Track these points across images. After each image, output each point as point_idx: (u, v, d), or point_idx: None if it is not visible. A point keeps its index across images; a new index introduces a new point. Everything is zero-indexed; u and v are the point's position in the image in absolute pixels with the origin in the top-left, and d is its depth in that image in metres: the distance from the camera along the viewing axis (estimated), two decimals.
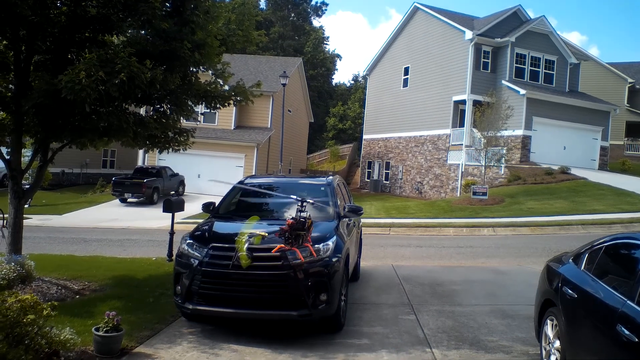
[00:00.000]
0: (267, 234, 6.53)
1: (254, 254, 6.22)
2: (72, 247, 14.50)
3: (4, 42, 8.15)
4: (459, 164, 30.21)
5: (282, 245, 6.32)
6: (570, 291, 5.08)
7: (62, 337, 5.10)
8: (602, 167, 30.36)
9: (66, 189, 34.32)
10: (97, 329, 5.64)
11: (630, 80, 41.52)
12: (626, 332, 3.83)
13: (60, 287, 8.52)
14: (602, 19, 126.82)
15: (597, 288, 4.69)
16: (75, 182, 37.73)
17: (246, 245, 6.26)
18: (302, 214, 6.60)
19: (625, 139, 40.82)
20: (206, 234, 7.02)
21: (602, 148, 30.65)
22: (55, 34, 8.08)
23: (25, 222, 9.04)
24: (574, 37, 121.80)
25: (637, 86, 42.09)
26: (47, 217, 22.28)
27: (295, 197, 7.41)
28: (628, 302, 4.02)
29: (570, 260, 5.66)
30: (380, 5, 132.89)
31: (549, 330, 5.47)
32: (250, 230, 6.63)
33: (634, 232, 5.29)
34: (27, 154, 10.83)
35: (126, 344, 6.06)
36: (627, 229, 16.07)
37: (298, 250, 6.30)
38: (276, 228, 6.66)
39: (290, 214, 7.75)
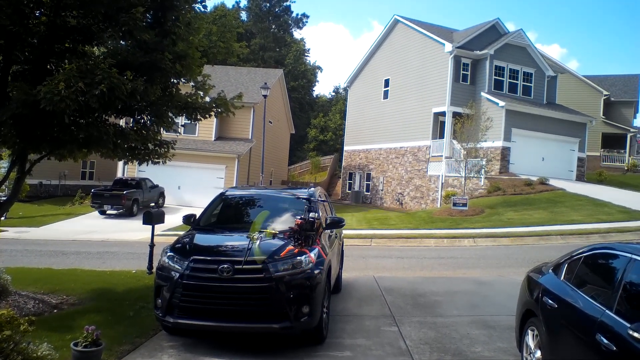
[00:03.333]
0: (277, 232, 6.64)
1: (236, 267, 6.18)
2: (50, 260, 14.25)
3: None
4: (439, 175, 30.43)
5: (292, 247, 6.38)
6: (550, 301, 5.13)
7: (39, 353, 4.99)
8: (580, 178, 30.80)
9: (44, 201, 33.82)
10: (76, 344, 5.54)
11: (605, 92, 42.37)
12: (605, 341, 3.88)
13: (37, 301, 8.38)
14: (582, 33, 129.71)
15: (576, 298, 4.74)
16: (53, 193, 37.21)
17: (257, 242, 6.39)
18: (311, 214, 6.61)
19: (602, 150, 41.58)
20: (187, 246, 6.96)
21: (580, 159, 31.10)
22: (34, 44, 7.99)
23: (1, 234, 8.90)
24: (554, 50, 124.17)
25: (612, 98, 42.96)
26: (24, 229, 21.87)
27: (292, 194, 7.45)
28: (607, 311, 4.08)
29: (550, 271, 5.71)
30: (362, 17, 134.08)
31: (530, 340, 5.51)
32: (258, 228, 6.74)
33: (612, 242, 5.36)
34: (3, 165, 10.66)
35: (106, 359, 5.96)
36: (604, 239, 16.27)
37: (309, 252, 6.39)
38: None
39: (274, 226, 7.75)
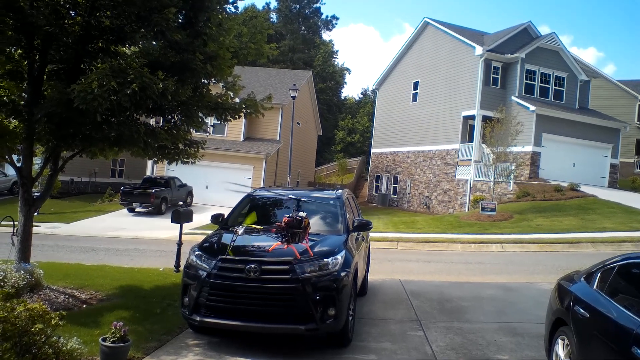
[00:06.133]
0: (262, 227, 6.77)
1: (263, 267, 6.21)
2: (79, 255, 14.52)
3: (19, 51, 8.24)
4: (467, 179, 30.11)
5: (279, 243, 6.41)
6: (582, 310, 5.01)
7: (69, 347, 5.08)
8: (612, 184, 30.14)
9: (75, 198, 34.44)
10: (104, 339, 5.61)
11: None
12: None
13: (67, 296, 8.53)
14: (619, 36, 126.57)
15: (610, 308, 4.62)
16: (83, 190, 37.86)
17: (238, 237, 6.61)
18: (299, 213, 6.66)
19: (636, 156, 40.59)
20: (215, 245, 7.00)
21: (612, 165, 30.43)
22: (69, 44, 8.15)
23: (34, 229, 9.07)
24: (591, 53, 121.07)
25: None
26: (55, 225, 22.34)
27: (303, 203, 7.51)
28: None
29: (582, 279, 5.59)
30: (393, 19, 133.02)
31: (560, 349, 5.40)
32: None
33: None
34: (37, 162, 10.90)
35: (132, 355, 6.03)
36: (638, 248, 15.89)
37: (294, 248, 6.36)
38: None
39: None
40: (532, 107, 28.06)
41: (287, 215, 6.62)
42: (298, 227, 6.44)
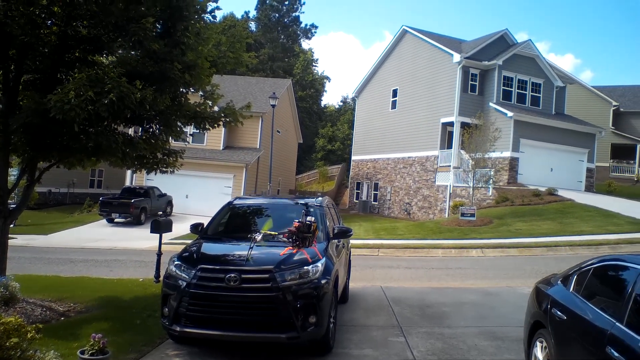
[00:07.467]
0: (276, 233, 7.06)
1: (243, 276, 6.18)
2: (57, 267, 14.31)
3: None
4: (447, 185, 30.35)
5: (290, 247, 6.62)
6: (559, 313, 5.08)
7: None
8: (589, 188, 30.60)
9: (53, 209, 34.01)
10: (83, 352, 5.53)
11: (615, 103, 42.18)
12: (616, 354, 3.83)
13: (45, 309, 8.41)
14: (596, 43, 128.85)
15: (586, 310, 4.70)
16: (62, 201, 37.41)
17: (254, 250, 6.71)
18: (308, 217, 6.92)
19: (611, 160, 41.31)
20: (194, 255, 6.95)
21: (589, 170, 30.91)
22: (45, 54, 8.09)
23: (10, 242, 8.93)
24: (568, 60, 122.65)
25: (622, 109, 42.75)
26: (32, 237, 22.00)
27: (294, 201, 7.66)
28: (617, 323, 4.03)
29: (559, 282, 5.67)
30: (373, 27, 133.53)
31: (539, 352, 5.46)
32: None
33: (621, 253, 5.32)
34: (13, 173, 10.75)
35: None
36: (614, 250, 16.16)
37: (305, 252, 6.57)
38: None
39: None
40: (509, 113, 28.42)
41: (297, 220, 6.87)
42: (308, 231, 6.76)
